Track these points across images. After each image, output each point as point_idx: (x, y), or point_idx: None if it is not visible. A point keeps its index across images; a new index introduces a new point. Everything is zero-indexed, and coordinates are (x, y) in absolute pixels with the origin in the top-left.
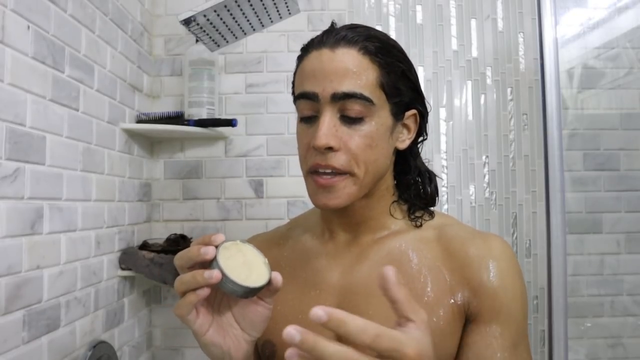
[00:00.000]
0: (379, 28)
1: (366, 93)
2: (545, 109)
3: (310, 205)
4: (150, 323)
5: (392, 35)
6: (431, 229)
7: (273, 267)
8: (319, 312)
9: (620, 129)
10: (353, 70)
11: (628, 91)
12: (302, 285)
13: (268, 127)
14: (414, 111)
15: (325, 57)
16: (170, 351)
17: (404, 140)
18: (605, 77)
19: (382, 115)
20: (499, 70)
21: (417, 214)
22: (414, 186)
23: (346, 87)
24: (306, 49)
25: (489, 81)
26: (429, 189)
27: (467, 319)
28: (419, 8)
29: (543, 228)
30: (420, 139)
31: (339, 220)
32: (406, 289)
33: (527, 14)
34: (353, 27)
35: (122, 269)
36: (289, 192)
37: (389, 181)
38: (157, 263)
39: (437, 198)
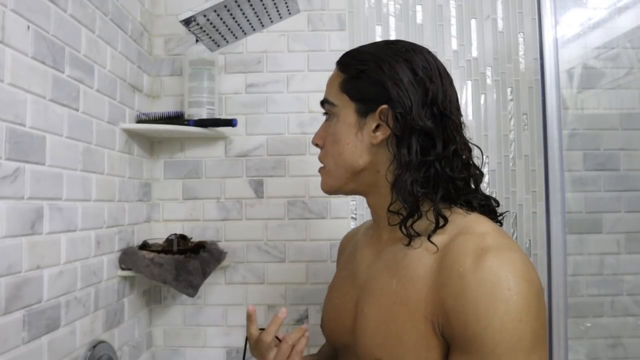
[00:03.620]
0: (378, 28)
1: (330, 98)
2: (545, 109)
3: (310, 204)
4: (150, 323)
5: (392, 35)
6: (447, 234)
7: (342, 256)
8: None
9: (620, 129)
10: (329, 81)
11: (628, 91)
12: (346, 274)
13: (268, 127)
14: (382, 107)
15: None
16: (170, 351)
17: (378, 136)
18: (605, 77)
19: (346, 114)
20: (499, 70)
21: (409, 222)
22: (410, 182)
23: (324, 95)
24: None
25: (489, 81)
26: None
27: (448, 343)
28: (419, 8)
29: (543, 228)
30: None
31: (372, 215)
32: None
33: (527, 14)
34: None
35: (122, 269)
36: (288, 192)
37: (383, 179)
38: (157, 263)
39: (475, 186)
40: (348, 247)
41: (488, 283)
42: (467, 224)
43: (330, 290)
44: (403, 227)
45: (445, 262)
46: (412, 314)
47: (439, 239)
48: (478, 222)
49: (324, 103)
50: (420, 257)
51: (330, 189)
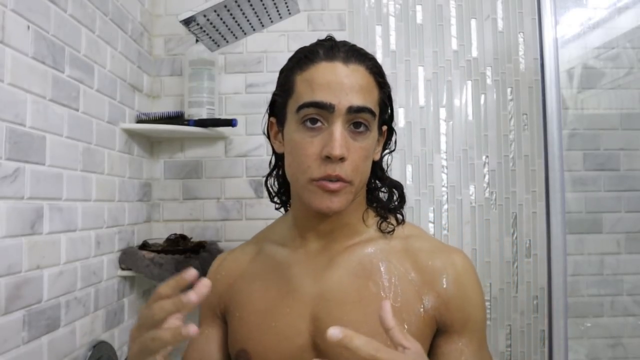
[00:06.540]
0: (378, 28)
1: (372, 108)
2: (545, 109)
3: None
4: None
5: (392, 35)
6: (399, 239)
7: (247, 282)
8: (335, 331)
9: (620, 129)
10: (365, 86)
11: (628, 91)
12: (274, 295)
13: None
14: (386, 127)
15: (339, 70)
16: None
17: (377, 153)
18: (605, 77)
19: (374, 130)
20: (499, 70)
21: (385, 224)
22: (384, 194)
23: (361, 101)
24: (311, 59)
25: (489, 81)
26: (396, 197)
27: (439, 329)
28: (419, 8)
29: (543, 228)
30: (387, 151)
31: (316, 227)
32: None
33: (527, 14)
34: (352, 45)
35: (122, 269)
36: None
37: (364, 190)
38: (157, 263)
39: (404, 204)
40: (250, 271)
41: (467, 273)
42: (406, 230)
43: (254, 316)
44: (385, 227)
45: (420, 262)
46: (406, 310)
47: (393, 243)
48: (412, 227)
49: (360, 111)
50: (388, 260)
51: (347, 206)
